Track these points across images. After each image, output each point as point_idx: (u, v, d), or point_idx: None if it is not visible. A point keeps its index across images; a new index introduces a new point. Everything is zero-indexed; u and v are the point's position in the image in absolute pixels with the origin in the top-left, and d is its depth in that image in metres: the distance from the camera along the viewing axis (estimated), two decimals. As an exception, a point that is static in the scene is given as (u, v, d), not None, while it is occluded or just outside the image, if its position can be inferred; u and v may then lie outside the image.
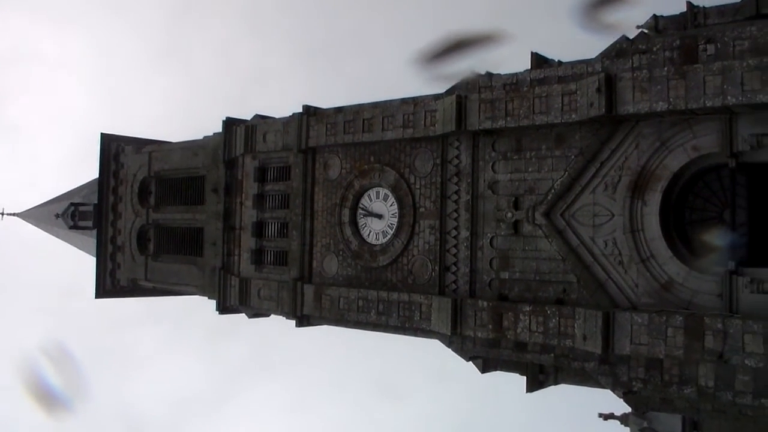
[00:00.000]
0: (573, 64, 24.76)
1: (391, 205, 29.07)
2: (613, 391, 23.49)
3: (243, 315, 33.89)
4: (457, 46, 24.45)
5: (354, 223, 30.24)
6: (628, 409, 30.81)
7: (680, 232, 23.40)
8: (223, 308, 33.99)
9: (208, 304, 34.82)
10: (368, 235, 29.86)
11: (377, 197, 29.65)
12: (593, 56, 24.11)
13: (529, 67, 25.84)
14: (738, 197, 22.94)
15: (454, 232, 26.96)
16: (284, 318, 31.63)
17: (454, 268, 26.91)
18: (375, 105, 29.09)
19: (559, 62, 25.72)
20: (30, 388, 37.34)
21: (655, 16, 25.19)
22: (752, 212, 22.92)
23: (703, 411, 22.56)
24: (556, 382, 25.97)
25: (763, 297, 21.20)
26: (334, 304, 29.29)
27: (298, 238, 31.48)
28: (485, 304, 25.11)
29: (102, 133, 39.76)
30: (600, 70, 23.46)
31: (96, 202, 40.09)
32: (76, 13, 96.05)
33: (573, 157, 24.44)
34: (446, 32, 24.18)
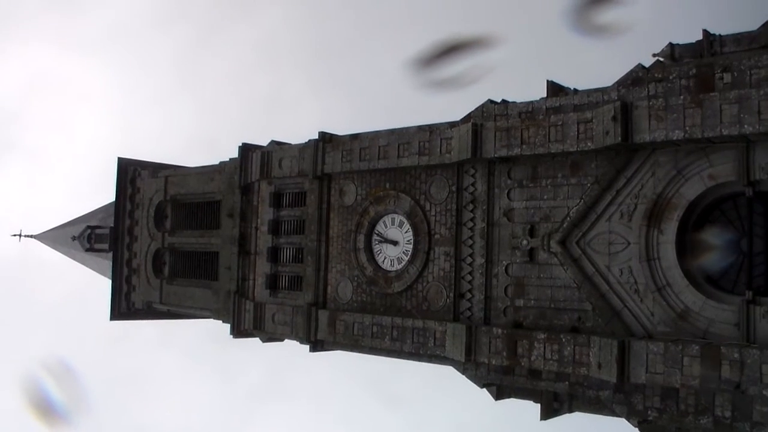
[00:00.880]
0: (589, 92, 24.81)
1: (406, 232, 29.09)
2: (628, 420, 23.32)
3: (257, 339, 33.90)
4: (450, 50, 24.56)
5: (369, 249, 30.27)
6: (643, 439, 30.52)
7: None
8: (237, 332, 34.02)
9: (222, 328, 34.92)
10: (383, 261, 29.88)
11: (392, 224, 29.69)
12: (608, 84, 24.16)
13: (545, 95, 25.91)
14: (755, 226, 22.84)
15: (469, 259, 26.95)
16: (298, 343, 31.63)
17: (468, 295, 26.88)
18: (391, 132, 29.20)
19: (575, 90, 25.80)
20: (39, 407, 37.38)
21: (671, 45, 25.20)
22: (769, 241, 22.82)
23: (719, 442, 22.36)
24: (570, 411, 25.78)
25: (780, 327, 21.07)
26: (348, 330, 29.27)
27: (312, 263, 31.53)
28: (500, 331, 25.04)
29: (119, 158, 40.13)
30: (616, 98, 23.50)
31: (112, 225, 40.36)
32: (98, 44, 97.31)
33: (589, 185, 24.43)
34: (439, 37, 24.33)
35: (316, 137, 31.38)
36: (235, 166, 34.73)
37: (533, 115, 25.39)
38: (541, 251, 25.39)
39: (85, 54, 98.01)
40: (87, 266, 43.13)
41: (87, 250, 42.02)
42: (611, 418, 24.51)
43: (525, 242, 25.69)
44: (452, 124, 27.39)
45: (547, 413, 25.74)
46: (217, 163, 36.73)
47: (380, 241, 29.98)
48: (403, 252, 29.16)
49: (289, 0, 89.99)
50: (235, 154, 34.89)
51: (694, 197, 22.79)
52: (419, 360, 28.01)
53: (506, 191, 26.26)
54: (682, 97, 21.96)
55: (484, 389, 26.60)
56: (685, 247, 23.13)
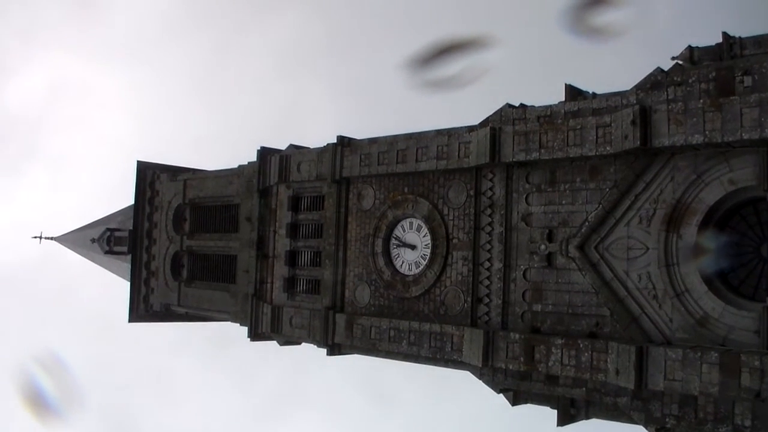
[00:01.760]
0: (607, 96, 24.67)
1: (424, 236, 29.03)
2: (646, 427, 23.12)
3: (274, 342, 33.93)
4: (446, 51, 24.48)
5: (387, 253, 30.23)
6: (662, 446, 30.27)
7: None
8: (254, 335, 34.09)
9: (239, 331, 34.98)
10: (401, 265, 29.83)
11: (410, 228, 29.63)
12: (627, 88, 23.99)
13: (563, 99, 25.80)
14: (776, 232, 22.64)
15: (487, 264, 26.84)
16: (315, 346, 31.63)
17: (486, 300, 26.77)
18: (409, 136, 29.16)
19: (594, 94, 25.67)
20: (34, 404, 37.74)
21: (690, 48, 24.98)
22: (790, 247, 22.58)
23: (738, 450, 22.13)
24: (587, 417, 25.62)
25: (801, 334, 20.82)
26: (365, 334, 29.23)
27: (330, 267, 31.52)
28: (517, 336, 24.92)
29: (138, 161, 40.31)
30: (635, 102, 23.34)
31: (131, 228, 40.53)
32: (119, 50, 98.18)
33: (607, 189, 24.28)
34: (435, 37, 24.26)
35: (335, 141, 31.40)
36: (253, 170, 34.81)
37: (552, 119, 25.28)
38: (560, 256, 25.25)
39: (105, 61, 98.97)
40: (106, 268, 43.36)
41: (106, 252, 42.25)
42: (628, 425, 24.32)
43: (543, 247, 25.56)
44: (470, 128, 27.31)
45: (563, 419, 25.58)
46: (235, 166, 36.83)
47: (398, 245, 29.93)
48: (421, 256, 29.10)
49: (308, 5, 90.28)
50: (253, 158, 34.99)
51: (713, 202, 22.57)
52: (436, 365, 27.94)
53: (524, 195, 26.14)
54: (701, 100, 21.77)
55: (501, 394, 26.48)
56: (705, 253, 22.92)
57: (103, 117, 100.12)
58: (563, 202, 25.32)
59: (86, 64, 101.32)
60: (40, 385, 37.92)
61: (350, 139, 31.31)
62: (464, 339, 26.16)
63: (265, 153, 34.51)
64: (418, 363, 28.48)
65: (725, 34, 24.53)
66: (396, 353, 28.61)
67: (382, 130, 30.50)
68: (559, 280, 25.27)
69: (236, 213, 36.19)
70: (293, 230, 33.39)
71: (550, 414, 25.96)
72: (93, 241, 42.68)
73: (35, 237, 45.05)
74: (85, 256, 43.97)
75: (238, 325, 35.09)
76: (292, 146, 34.31)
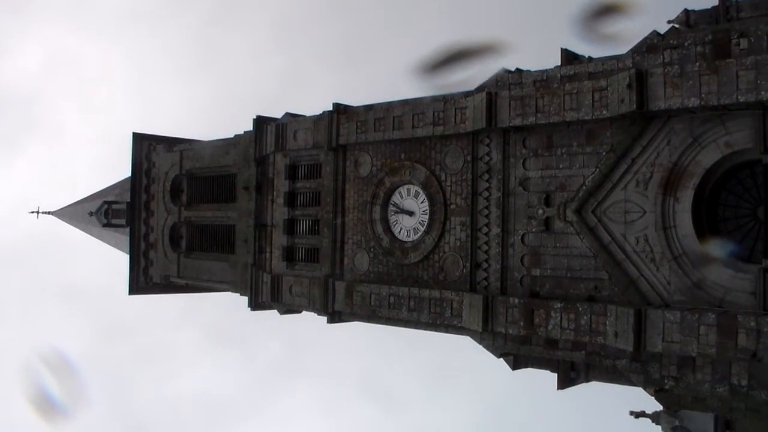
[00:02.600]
0: (603, 60, 24.61)
1: (422, 202, 29.09)
2: (645, 389, 23.39)
3: (275, 311, 34.09)
4: (456, 57, 24.52)
5: (385, 220, 30.30)
6: (659, 407, 30.59)
7: (713, 230, 23.18)
8: (255, 305, 34.25)
9: (239, 301, 35.15)
10: (399, 232, 29.92)
11: (408, 194, 29.68)
12: (623, 52, 23.95)
13: (559, 64, 25.73)
14: (772, 193, 22.70)
15: (485, 229, 26.93)
16: (316, 314, 31.79)
17: (485, 265, 26.89)
18: (405, 102, 29.11)
19: (590, 58, 25.58)
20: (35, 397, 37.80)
21: (686, 11, 24.96)
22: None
23: (736, 410, 22.39)
24: (587, 380, 25.88)
25: (797, 294, 20.98)
26: (365, 301, 29.38)
27: (329, 235, 31.61)
28: (516, 301, 25.08)
29: (134, 133, 40.20)
30: (631, 65, 23.31)
31: (129, 200, 40.50)
32: (115, 22, 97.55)
33: (604, 153, 24.31)
34: (445, 42, 24.28)
35: (330, 109, 31.34)
36: (249, 139, 34.76)
37: (548, 84, 25.24)
38: (557, 220, 25.34)
39: (101, 32, 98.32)
40: (104, 241, 43.39)
41: (104, 225, 42.24)
42: (628, 387, 24.59)
43: (541, 211, 25.65)
44: (467, 94, 27.24)
45: (563, 382, 25.85)
46: (232, 136, 36.76)
47: (396, 212, 29.99)
48: (419, 222, 29.18)
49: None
50: (250, 127, 34.91)
51: (710, 165, 22.63)
52: (436, 330, 28.09)
53: (521, 160, 26.18)
54: (697, 63, 21.75)
55: (501, 359, 26.72)
56: (701, 216, 23.03)
57: (99, 89, 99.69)
58: (560, 166, 25.36)
59: (82, 36, 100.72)
60: (40, 374, 38.04)
61: (346, 107, 31.24)
62: (464, 304, 26.32)
63: (261, 122, 34.42)
64: (418, 329, 28.64)
65: (721, -3, 24.51)
66: (396, 320, 28.78)
67: (378, 98, 30.52)
68: (557, 245, 25.38)
69: (233, 183, 36.19)
70: (291, 199, 33.42)
71: (550, 377, 26.24)
72: (91, 214, 42.63)
73: (32, 212, 45.03)
74: (83, 230, 43.97)
75: (239, 295, 35.23)
76: (288, 114, 34.20)
